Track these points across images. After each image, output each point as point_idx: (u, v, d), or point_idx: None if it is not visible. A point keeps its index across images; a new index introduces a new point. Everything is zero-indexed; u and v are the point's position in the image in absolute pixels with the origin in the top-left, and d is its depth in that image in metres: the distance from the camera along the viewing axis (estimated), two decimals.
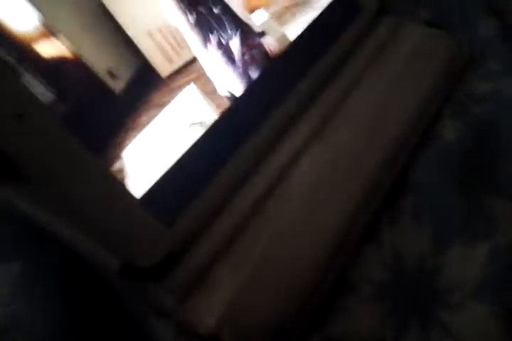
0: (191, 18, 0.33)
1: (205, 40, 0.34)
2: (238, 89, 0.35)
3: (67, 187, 0.27)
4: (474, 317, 0.34)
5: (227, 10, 0.35)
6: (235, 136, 0.34)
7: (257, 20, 0.37)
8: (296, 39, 0.39)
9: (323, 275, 0.34)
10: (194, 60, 0.33)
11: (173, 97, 0.32)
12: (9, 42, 0.26)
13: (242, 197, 0.33)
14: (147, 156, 0.31)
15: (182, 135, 0.32)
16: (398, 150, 0.39)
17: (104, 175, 0.29)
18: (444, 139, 0.42)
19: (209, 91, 0.34)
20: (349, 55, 0.41)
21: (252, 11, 0.37)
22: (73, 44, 0.28)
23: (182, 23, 0.33)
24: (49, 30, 0.27)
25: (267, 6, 0.38)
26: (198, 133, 0.33)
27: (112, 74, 0.30)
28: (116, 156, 0.29)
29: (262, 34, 0.37)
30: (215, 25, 0.34)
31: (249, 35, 0.36)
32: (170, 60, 0.32)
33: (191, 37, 0.33)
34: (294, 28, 0.39)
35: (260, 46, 0.37)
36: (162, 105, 0.32)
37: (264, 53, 0.37)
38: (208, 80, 0.34)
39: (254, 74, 0.36)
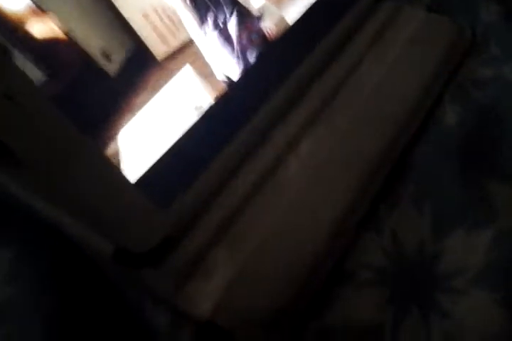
0: None
1: (202, 22, 0.33)
2: (236, 72, 0.34)
3: (59, 170, 0.26)
4: (476, 304, 0.33)
5: None
6: (232, 119, 0.34)
7: (255, 3, 0.37)
8: (295, 23, 0.38)
9: (322, 261, 0.34)
10: (191, 42, 0.33)
11: (168, 80, 0.31)
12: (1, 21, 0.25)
13: (239, 181, 0.33)
14: (143, 139, 0.30)
15: (178, 118, 0.32)
16: (398, 135, 0.39)
17: (98, 157, 0.28)
18: (444, 124, 0.41)
19: (206, 75, 0.33)
20: (349, 39, 0.40)
21: None
22: (66, 24, 0.27)
23: (178, 4, 0.32)
24: (41, 9, 0.27)
25: None
26: (195, 116, 0.32)
27: (106, 56, 0.29)
28: (111, 139, 0.29)
29: (260, 17, 0.36)
30: (212, 7, 0.34)
31: (247, 18, 0.36)
32: (166, 42, 0.32)
33: (188, 18, 0.32)
34: (293, 12, 0.38)
35: (258, 29, 0.36)
36: (158, 87, 0.31)
37: (262, 36, 0.36)
38: (204, 63, 0.33)
39: (252, 57, 0.35)
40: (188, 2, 0.32)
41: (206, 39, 0.33)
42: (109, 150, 0.29)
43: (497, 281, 0.34)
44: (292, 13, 0.38)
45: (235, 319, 0.30)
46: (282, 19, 0.38)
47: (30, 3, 0.26)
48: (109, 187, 0.28)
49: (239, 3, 0.35)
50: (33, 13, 0.26)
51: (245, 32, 0.35)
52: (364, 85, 0.39)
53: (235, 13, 0.35)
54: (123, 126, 0.29)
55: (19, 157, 0.26)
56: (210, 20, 0.34)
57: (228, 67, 0.34)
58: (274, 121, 0.35)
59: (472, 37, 0.46)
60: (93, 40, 0.29)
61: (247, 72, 0.35)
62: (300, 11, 0.39)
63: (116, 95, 0.30)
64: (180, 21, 0.32)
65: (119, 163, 0.29)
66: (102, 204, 0.27)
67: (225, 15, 0.34)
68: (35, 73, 0.26)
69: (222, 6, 0.34)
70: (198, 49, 0.33)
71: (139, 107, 0.30)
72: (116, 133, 0.29)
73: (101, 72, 0.29)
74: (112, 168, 0.28)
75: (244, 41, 0.35)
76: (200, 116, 0.32)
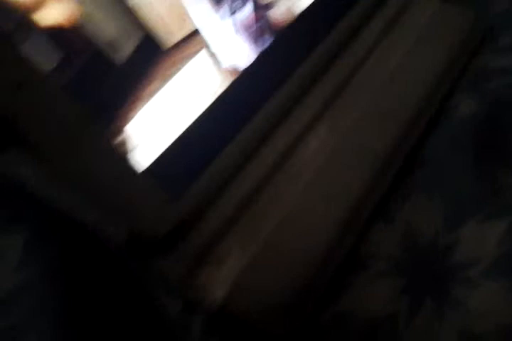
0: None
1: (212, 9, 0.33)
2: (244, 60, 0.34)
3: (72, 157, 0.27)
4: (489, 295, 0.33)
5: None
6: (243, 107, 0.34)
7: None
8: (307, 10, 0.38)
9: (335, 250, 0.33)
10: (198, 31, 0.32)
11: (177, 68, 0.31)
12: (10, 9, 0.25)
13: (252, 169, 0.33)
14: (154, 127, 0.30)
15: (188, 106, 0.32)
16: (412, 124, 0.39)
17: (109, 145, 0.28)
18: (457, 116, 0.41)
19: (214, 63, 0.33)
20: (362, 26, 0.40)
21: None
22: (75, 14, 0.27)
23: None
24: None
25: None
26: (205, 104, 0.32)
27: (114, 45, 0.29)
28: (122, 127, 0.29)
29: (271, 5, 0.36)
30: None
31: (257, 6, 0.35)
32: (173, 31, 0.32)
33: (196, 7, 0.32)
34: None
35: (268, 17, 0.36)
36: (166, 77, 0.31)
37: (273, 24, 0.36)
38: (212, 51, 0.33)
39: (262, 45, 0.35)
40: None
41: (215, 27, 0.33)
42: (121, 138, 0.29)
43: (510, 272, 0.33)
44: (303, 1, 0.38)
45: (247, 306, 0.30)
46: (294, 6, 0.37)
47: None
48: (120, 174, 0.28)
49: None
50: (43, 2, 0.26)
51: (255, 20, 0.35)
52: (379, 71, 0.39)
53: (245, 1, 0.35)
54: (133, 113, 0.29)
55: (33, 143, 0.26)
56: (220, 8, 0.33)
57: (237, 54, 0.34)
58: (287, 109, 0.35)
59: (486, 26, 0.46)
60: (102, 30, 0.29)
61: (257, 60, 0.35)
62: None
63: (126, 83, 0.30)
64: (188, 10, 0.32)
65: (130, 150, 0.29)
66: (113, 190, 0.27)
67: (236, 3, 0.34)
68: (44, 60, 0.26)
69: None
70: (205, 37, 0.33)
71: (149, 95, 0.30)
72: (126, 121, 0.29)
73: (111, 60, 0.29)
74: (123, 155, 0.28)
75: (254, 29, 0.35)
76: (212, 102, 0.32)
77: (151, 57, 0.30)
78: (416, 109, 0.39)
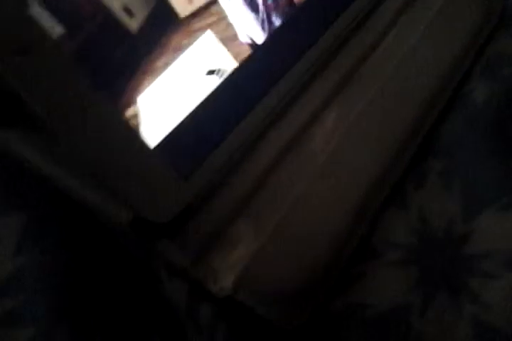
0: None
1: None
2: (260, 36, 0.33)
3: (75, 132, 0.25)
4: (507, 288, 0.32)
5: None
6: (255, 85, 0.32)
7: None
8: None
9: (347, 238, 0.32)
10: (215, 1, 0.31)
11: (191, 40, 0.30)
12: None
13: (263, 149, 0.31)
14: (163, 103, 0.28)
15: (200, 82, 0.30)
16: (427, 110, 0.37)
17: (116, 119, 0.26)
18: (472, 101, 0.40)
19: (229, 37, 0.31)
20: (378, 6, 0.38)
21: None
22: None
23: None
24: None
25: None
26: (217, 81, 0.30)
27: (128, 11, 0.27)
28: (130, 101, 0.27)
29: None
30: None
31: None
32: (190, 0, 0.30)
33: None
34: None
35: None
36: (180, 49, 0.29)
37: None
38: (229, 24, 0.31)
39: (278, 20, 0.33)
40: None
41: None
42: (128, 113, 0.27)
43: None
44: None
45: (256, 295, 0.29)
46: None
47: None
48: (127, 151, 0.26)
49: None
50: None
51: None
52: (393, 55, 0.37)
53: None
54: (144, 87, 0.28)
55: (37, 117, 0.24)
56: None
57: (253, 29, 0.32)
58: (300, 88, 0.33)
59: (502, 11, 0.44)
60: None
61: (273, 35, 0.33)
62: None
63: (137, 54, 0.28)
64: None
65: (138, 127, 0.27)
66: (122, 167, 0.26)
67: None
68: (52, 26, 0.25)
69: None
70: (222, 9, 0.31)
71: (161, 68, 0.28)
72: (135, 95, 0.27)
73: (122, 29, 0.27)
74: (130, 131, 0.27)
75: (270, 3, 0.33)
76: (222, 80, 0.31)
77: (165, 26, 0.29)
78: (432, 93, 0.38)
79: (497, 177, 0.35)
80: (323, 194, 0.32)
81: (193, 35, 0.30)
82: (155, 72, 0.28)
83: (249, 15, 0.32)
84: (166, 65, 0.29)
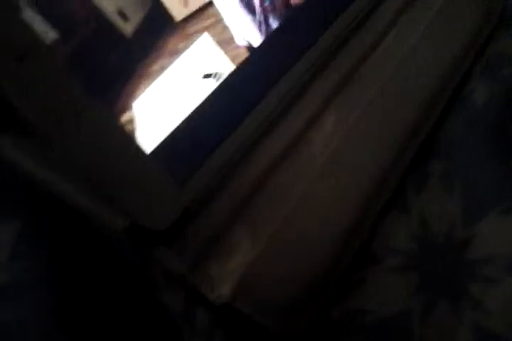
0: None
1: None
2: (257, 38, 0.32)
3: (70, 138, 0.24)
4: (509, 294, 0.31)
5: None
6: (253, 89, 0.31)
7: None
8: None
9: (347, 244, 0.32)
10: (211, 3, 0.30)
11: (188, 44, 0.29)
12: None
13: (261, 154, 0.31)
14: (159, 108, 0.28)
15: (197, 86, 0.29)
16: (427, 110, 0.37)
17: (111, 124, 0.26)
18: (473, 102, 0.39)
19: (226, 40, 0.31)
20: (378, 6, 0.38)
21: None
22: None
23: None
24: None
25: None
26: (213, 84, 0.30)
27: (122, 15, 0.27)
28: (126, 106, 0.27)
29: None
30: None
31: None
32: (185, 3, 0.29)
33: None
34: None
35: None
36: (176, 52, 0.29)
37: (286, 1, 0.34)
38: (225, 27, 0.31)
39: (275, 22, 0.33)
40: None
41: (228, 1, 0.31)
42: (124, 118, 0.27)
43: None
44: None
45: (254, 303, 0.28)
46: None
47: None
48: (123, 157, 0.26)
49: None
50: None
51: None
52: (393, 55, 0.37)
53: None
54: (139, 92, 0.27)
55: (31, 123, 0.24)
56: None
57: (249, 32, 0.32)
58: (298, 91, 0.33)
59: (502, 10, 0.44)
60: None
61: (270, 38, 0.33)
62: None
63: (132, 58, 0.27)
64: None
65: (133, 132, 0.27)
66: (118, 173, 0.25)
67: None
68: (46, 31, 0.24)
69: None
70: (218, 11, 0.31)
71: (157, 72, 0.28)
72: (131, 99, 0.27)
73: (117, 33, 0.27)
74: (126, 136, 0.26)
75: (267, 5, 0.33)
76: (218, 84, 0.30)
77: (160, 29, 0.28)
78: (432, 93, 0.37)
79: (497, 178, 0.35)
80: (322, 198, 0.31)
81: (190, 38, 0.29)
82: (151, 77, 0.28)
83: (246, 17, 0.32)
84: (162, 68, 0.28)
